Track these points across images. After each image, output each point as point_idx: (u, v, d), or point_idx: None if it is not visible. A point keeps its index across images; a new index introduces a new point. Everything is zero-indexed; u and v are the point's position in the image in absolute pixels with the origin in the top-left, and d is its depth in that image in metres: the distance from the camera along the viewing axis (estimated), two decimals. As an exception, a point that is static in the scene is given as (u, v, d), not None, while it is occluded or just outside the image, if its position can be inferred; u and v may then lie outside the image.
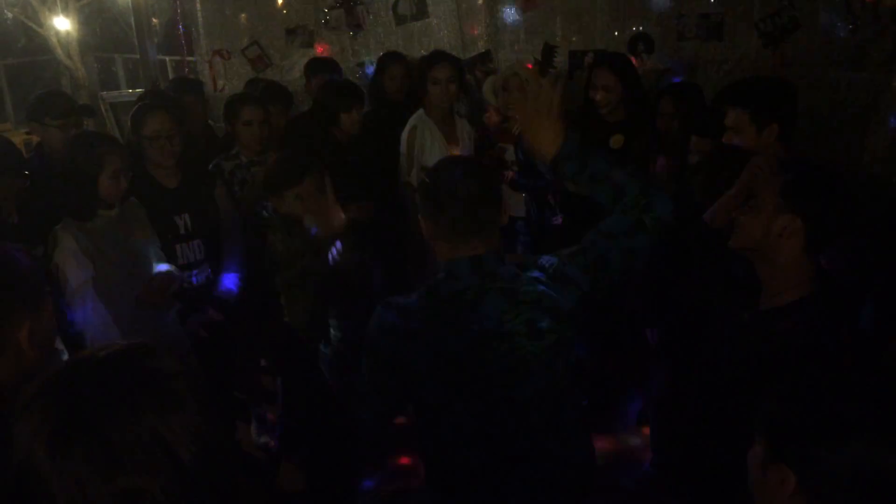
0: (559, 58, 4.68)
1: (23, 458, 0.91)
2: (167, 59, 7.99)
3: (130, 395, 0.93)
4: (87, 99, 9.05)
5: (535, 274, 1.75)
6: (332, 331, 3.39)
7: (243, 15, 5.16)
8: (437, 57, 3.88)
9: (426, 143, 3.84)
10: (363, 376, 1.84)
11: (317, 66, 4.46)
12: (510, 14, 4.78)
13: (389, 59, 4.32)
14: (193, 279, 3.11)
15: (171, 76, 7.22)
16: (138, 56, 6.50)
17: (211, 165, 3.47)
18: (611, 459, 3.48)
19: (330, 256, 2.71)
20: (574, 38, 4.67)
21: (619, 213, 1.77)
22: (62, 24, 8.81)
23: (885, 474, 1.09)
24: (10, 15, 9.15)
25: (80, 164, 2.63)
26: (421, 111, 3.87)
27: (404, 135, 3.87)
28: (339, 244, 2.69)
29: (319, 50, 5.15)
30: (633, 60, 3.99)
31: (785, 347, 1.70)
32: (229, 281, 3.18)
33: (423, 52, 4.76)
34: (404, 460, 3.59)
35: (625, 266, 1.76)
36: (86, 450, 0.89)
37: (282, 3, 5.11)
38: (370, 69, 5.02)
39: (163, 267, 2.86)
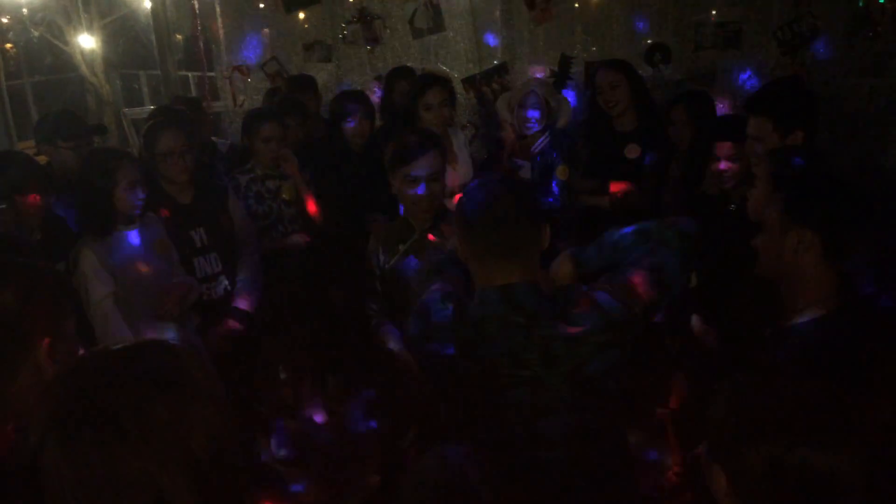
0: (576, 69, 4.69)
1: (35, 445, 0.92)
2: (189, 74, 8.10)
3: (143, 383, 0.95)
4: (110, 115, 9.21)
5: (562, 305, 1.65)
6: None
7: (264, 31, 5.21)
8: (428, 81, 3.63)
9: None
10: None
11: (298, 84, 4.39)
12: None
13: (398, 75, 4.31)
14: (212, 292, 3.14)
15: (194, 92, 7.32)
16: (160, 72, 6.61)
17: (227, 178, 3.51)
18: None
19: None
20: (594, 48, 4.67)
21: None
22: (87, 41, 8.96)
23: (793, 469, 1.16)
24: (36, 33, 9.32)
25: (95, 181, 2.68)
26: None
27: None
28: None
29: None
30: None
31: (803, 364, 1.67)
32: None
33: (441, 65, 4.79)
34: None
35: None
36: (95, 433, 0.90)
37: (302, 19, 5.16)
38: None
39: (181, 278, 2.90)
